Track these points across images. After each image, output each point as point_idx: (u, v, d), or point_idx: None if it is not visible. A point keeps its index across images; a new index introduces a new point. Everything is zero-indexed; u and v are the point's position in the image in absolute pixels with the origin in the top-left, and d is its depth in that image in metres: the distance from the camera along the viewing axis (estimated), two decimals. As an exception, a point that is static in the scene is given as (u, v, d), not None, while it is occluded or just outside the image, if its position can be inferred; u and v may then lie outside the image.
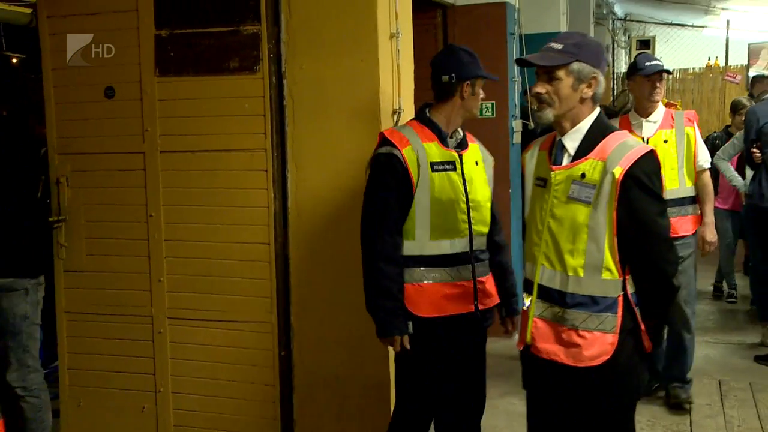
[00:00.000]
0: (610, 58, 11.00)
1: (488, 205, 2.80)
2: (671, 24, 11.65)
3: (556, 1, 5.89)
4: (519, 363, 2.38)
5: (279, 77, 3.19)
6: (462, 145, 2.77)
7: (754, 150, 4.73)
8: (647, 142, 3.79)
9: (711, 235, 3.97)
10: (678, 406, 4.00)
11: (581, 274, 2.14)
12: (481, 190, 2.78)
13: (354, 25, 3.06)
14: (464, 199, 2.71)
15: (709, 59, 12.55)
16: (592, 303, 2.14)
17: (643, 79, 3.83)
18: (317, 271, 3.21)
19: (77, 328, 3.53)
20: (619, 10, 11.31)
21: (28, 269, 3.36)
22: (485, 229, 2.80)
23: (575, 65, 2.16)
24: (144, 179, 3.35)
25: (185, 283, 3.35)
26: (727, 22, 10.84)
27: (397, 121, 3.13)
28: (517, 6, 5.28)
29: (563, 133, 2.23)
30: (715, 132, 6.87)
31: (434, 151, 2.68)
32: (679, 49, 12.22)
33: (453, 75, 2.69)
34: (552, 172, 2.21)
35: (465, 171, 2.72)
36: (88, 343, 3.52)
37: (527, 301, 2.27)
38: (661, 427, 3.87)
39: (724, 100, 11.96)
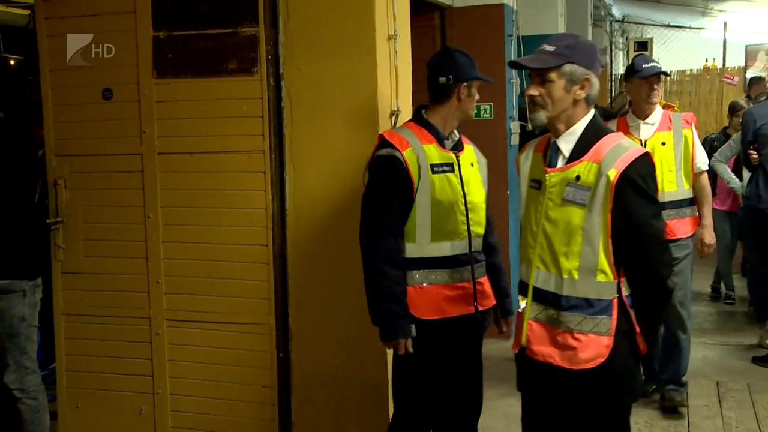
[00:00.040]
0: (608, 60, 11.02)
1: (484, 206, 2.81)
2: (669, 26, 11.68)
3: (553, 3, 5.90)
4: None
5: (277, 79, 3.19)
6: (458, 147, 2.78)
7: (751, 151, 4.74)
8: (645, 144, 3.80)
9: (710, 237, 3.97)
10: (672, 409, 3.98)
11: (576, 276, 2.14)
12: (478, 192, 2.79)
13: (352, 27, 3.06)
14: (463, 200, 2.72)
15: (706, 61, 12.59)
16: (587, 305, 2.13)
17: (641, 81, 3.82)
18: (315, 273, 3.21)
19: (75, 330, 3.53)
20: (616, 12, 11.34)
21: (26, 271, 3.36)
22: (482, 231, 2.81)
23: (567, 67, 2.16)
24: (142, 181, 3.35)
25: (183, 285, 3.35)
26: (725, 24, 10.87)
27: (395, 123, 3.13)
28: (514, 8, 5.29)
29: (558, 135, 2.22)
30: (713, 133, 6.89)
31: (433, 152, 2.68)
32: (677, 51, 12.25)
33: (450, 77, 2.69)
34: (547, 174, 2.21)
35: (462, 173, 2.73)
36: (86, 345, 3.51)
37: (522, 304, 2.27)
38: (658, 428, 3.87)
39: (722, 101, 11.99)
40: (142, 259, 3.38)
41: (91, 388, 3.52)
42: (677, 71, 12.62)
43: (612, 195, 2.08)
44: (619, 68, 11.97)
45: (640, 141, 3.81)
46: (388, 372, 3.02)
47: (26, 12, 5.41)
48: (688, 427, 3.88)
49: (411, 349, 2.62)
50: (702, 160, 3.90)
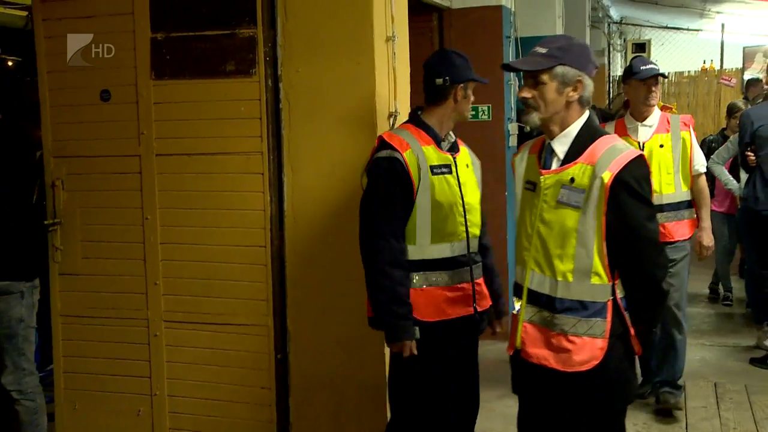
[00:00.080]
0: (606, 61, 11.04)
1: (479, 207, 2.82)
2: (667, 27, 11.70)
3: (551, 5, 5.90)
4: (514, 366, 2.39)
5: (275, 80, 3.19)
6: (454, 149, 2.78)
7: (749, 153, 4.75)
8: (643, 147, 3.80)
9: (708, 239, 3.97)
10: (667, 412, 3.96)
11: (570, 278, 2.13)
12: (474, 193, 2.81)
13: (350, 29, 3.07)
14: (461, 202, 2.72)
15: (704, 62, 12.62)
16: (581, 308, 2.13)
17: (639, 83, 3.82)
18: (313, 274, 3.21)
19: (72, 331, 3.52)
20: (614, 14, 11.36)
21: (24, 272, 3.35)
22: (479, 232, 2.82)
23: (559, 69, 2.16)
24: (140, 182, 3.35)
25: (181, 286, 3.35)
26: (722, 25, 10.89)
27: (393, 124, 3.13)
28: (512, 9, 5.30)
29: (552, 137, 2.22)
30: (711, 135, 6.91)
31: (432, 154, 2.69)
32: (675, 53, 12.28)
33: (447, 78, 2.70)
34: (541, 176, 2.20)
35: (459, 174, 2.73)
36: (84, 346, 3.51)
37: (517, 305, 2.27)
38: (656, 430, 3.87)
39: (720, 103, 12.03)
40: (140, 260, 3.37)
41: (89, 389, 3.51)
42: (675, 73, 12.65)
43: (606, 197, 2.08)
44: (617, 70, 11.99)
45: (638, 143, 3.80)
46: (387, 373, 3.02)
47: (24, 13, 5.40)
48: (686, 428, 3.88)
49: (416, 351, 2.61)
50: (700, 163, 3.90)
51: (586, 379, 2.13)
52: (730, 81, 11.23)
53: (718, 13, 10.00)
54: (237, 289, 3.27)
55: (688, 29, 11.82)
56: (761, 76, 8.81)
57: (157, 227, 3.34)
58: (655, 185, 3.77)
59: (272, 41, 3.17)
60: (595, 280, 2.12)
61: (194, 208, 3.30)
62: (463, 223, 2.73)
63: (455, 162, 2.74)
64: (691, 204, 3.90)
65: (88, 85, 3.38)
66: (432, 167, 2.66)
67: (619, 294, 2.17)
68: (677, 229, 3.82)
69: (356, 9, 3.05)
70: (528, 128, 4.94)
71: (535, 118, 2.20)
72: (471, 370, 2.84)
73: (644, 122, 3.86)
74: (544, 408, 2.26)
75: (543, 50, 2.19)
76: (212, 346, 3.32)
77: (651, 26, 11.80)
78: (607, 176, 2.07)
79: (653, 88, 3.81)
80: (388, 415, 2.93)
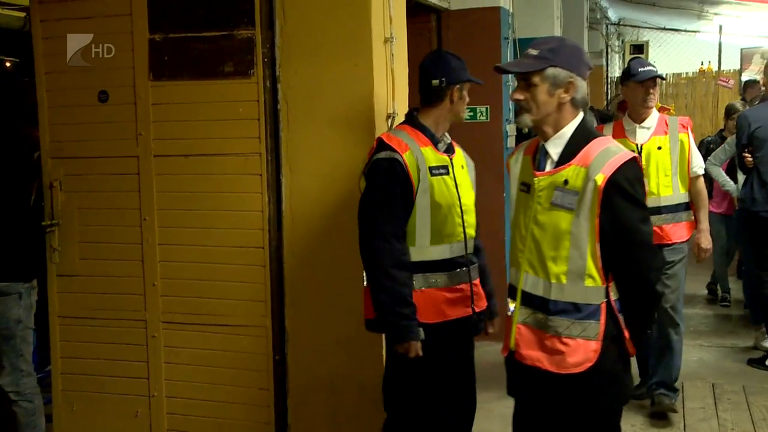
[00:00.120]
0: (604, 63, 11.05)
1: (474, 208, 2.82)
2: (664, 29, 11.71)
3: (549, 6, 5.91)
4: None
5: (273, 81, 3.19)
6: (450, 150, 2.79)
7: (746, 154, 4.75)
8: (641, 149, 3.80)
9: (706, 241, 3.97)
10: (662, 414, 3.94)
11: (564, 281, 2.13)
12: (470, 194, 2.81)
13: (348, 30, 3.07)
14: (459, 203, 2.73)
15: (702, 64, 12.63)
16: (574, 310, 2.13)
17: (637, 85, 3.82)
18: (311, 275, 3.21)
19: (70, 333, 3.52)
20: (612, 15, 11.36)
21: (22, 273, 3.35)
22: (474, 233, 2.82)
23: (550, 70, 2.16)
24: (138, 183, 3.35)
25: (179, 287, 3.34)
26: (720, 27, 10.91)
27: (391, 126, 3.13)
28: (511, 10, 5.30)
29: (546, 138, 2.22)
30: (709, 136, 6.91)
31: (430, 155, 2.69)
32: (673, 54, 12.29)
33: (443, 79, 2.70)
34: (535, 178, 2.20)
35: (456, 175, 2.74)
36: (82, 348, 3.50)
37: (511, 306, 2.27)
38: (654, 430, 3.88)
39: (717, 104, 12.04)
40: (138, 261, 3.37)
41: (87, 390, 3.51)
42: (673, 74, 12.66)
43: (599, 200, 2.07)
44: (616, 71, 12.00)
45: (637, 145, 3.81)
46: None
47: (22, 14, 5.38)
48: (684, 428, 3.89)
49: (421, 352, 2.61)
50: (698, 165, 3.90)
51: (580, 381, 2.13)
52: (727, 82, 11.25)
53: (715, 14, 10.01)
54: (235, 290, 3.27)
55: (685, 31, 11.83)
56: (759, 77, 8.83)
57: (155, 228, 3.34)
58: (652, 187, 3.78)
59: (270, 42, 3.17)
60: (588, 282, 2.12)
61: (192, 209, 3.30)
62: (461, 224, 2.74)
63: (452, 163, 2.74)
64: (689, 206, 3.90)
65: (86, 86, 3.38)
66: (431, 168, 2.66)
67: (613, 296, 2.16)
68: (675, 231, 3.82)
69: (354, 10, 3.05)
70: (526, 129, 4.95)
71: (527, 119, 2.21)
72: (468, 371, 2.85)
73: (642, 124, 3.86)
74: (538, 410, 2.26)
75: (534, 52, 2.20)
76: (210, 348, 3.32)
77: (649, 27, 11.81)
78: (601, 178, 2.07)
79: (651, 90, 3.81)
80: (387, 416, 2.93)
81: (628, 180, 2.09)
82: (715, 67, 11.92)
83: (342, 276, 3.09)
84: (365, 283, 2.77)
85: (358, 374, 3.16)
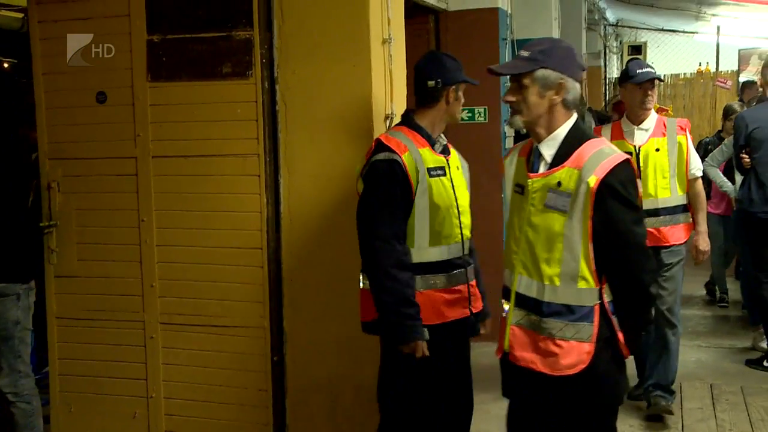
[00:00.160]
0: (602, 64, 11.05)
1: (469, 209, 2.82)
2: (662, 30, 11.72)
3: (547, 7, 5.91)
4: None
5: (272, 82, 3.19)
6: (446, 151, 2.79)
7: (744, 155, 4.76)
8: (639, 150, 3.80)
9: (704, 244, 3.96)
10: (657, 417, 3.92)
11: (557, 283, 2.13)
12: (465, 195, 2.82)
13: (347, 31, 3.07)
14: (455, 204, 2.73)
15: (700, 65, 12.65)
16: (568, 312, 2.13)
17: (635, 87, 3.81)
18: (310, 276, 3.21)
19: (68, 334, 3.52)
20: (610, 16, 11.38)
21: (20, 274, 3.35)
22: (469, 234, 2.82)
23: (539, 72, 2.16)
24: (136, 184, 3.35)
25: (177, 288, 3.34)
26: (718, 28, 10.93)
27: (390, 126, 3.14)
28: (509, 11, 5.31)
29: (539, 140, 2.22)
30: (707, 137, 6.91)
31: (428, 156, 2.69)
32: (671, 55, 12.31)
33: (439, 80, 2.70)
34: (529, 180, 2.20)
35: (452, 176, 2.74)
36: (79, 349, 3.50)
37: (506, 307, 2.27)
38: (652, 431, 3.88)
39: (715, 105, 12.05)
40: (136, 262, 3.37)
41: (85, 391, 3.51)
42: (671, 75, 12.68)
43: (592, 202, 2.07)
44: (614, 72, 12.02)
45: (634, 147, 3.81)
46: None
47: (20, 15, 5.38)
48: (682, 429, 3.89)
49: (428, 352, 2.61)
50: (697, 167, 3.89)
51: (574, 382, 2.13)
52: (725, 83, 11.26)
53: (713, 15, 10.03)
54: (233, 291, 3.27)
55: (683, 32, 11.85)
56: (756, 78, 8.83)
57: (154, 229, 3.34)
58: (650, 189, 3.78)
59: (269, 43, 3.17)
60: (581, 284, 2.12)
61: (190, 210, 3.30)
62: (458, 225, 2.74)
63: (448, 164, 2.75)
64: (687, 208, 3.89)
65: (83, 87, 3.38)
66: (429, 169, 2.66)
67: (607, 298, 2.16)
68: (673, 233, 3.81)
69: (353, 11, 3.05)
70: (524, 130, 4.96)
71: (518, 121, 2.21)
72: (465, 371, 2.85)
73: (641, 126, 3.86)
74: (533, 411, 2.26)
75: (526, 54, 2.20)
76: (208, 348, 3.32)
77: (647, 28, 11.82)
78: (593, 180, 2.07)
79: (649, 92, 3.81)
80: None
81: (621, 182, 2.09)
82: (712, 68, 11.94)
83: (340, 277, 3.09)
84: (361, 285, 2.77)
85: (356, 375, 3.16)
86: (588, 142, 2.16)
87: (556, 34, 5.95)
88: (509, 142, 5.20)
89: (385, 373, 2.80)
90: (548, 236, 2.14)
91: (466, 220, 2.79)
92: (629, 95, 3.88)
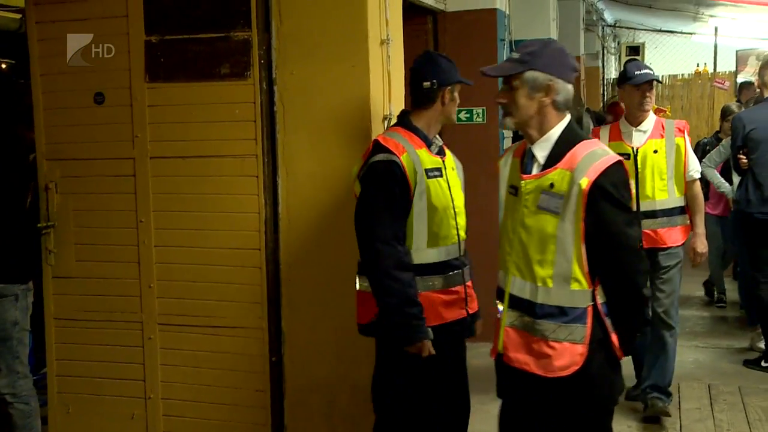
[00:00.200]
0: (600, 64, 11.06)
1: (464, 210, 2.83)
2: (660, 30, 11.74)
3: (545, 8, 5.92)
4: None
5: (270, 83, 3.19)
6: (442, 152, 2.79)
7: (741, 156, 4.77)
8: (637, 152, 3.80)
9: (702, 246, 3.95)
10: (654, 418, 3.92)
11: (550, 284, 2.13)
12: (461, 196, 2.82)
13: (345, 32, 3.07)
14: (452, 205, 2.73)
15: (697, 66, 12.67)
16: (560, 314, 2.13)
17: (633, 89, 3.81)
18: (308, 276, 3.21)
19: (66, 335, 3.51)
20: (608, 17, 11.39)
21: (18, 275, 3.35)
22: (465, 235, 2.83)
23: (528, 74, 2.16)
24: (134, 185, 3.34)
25: (175, 289, 3.34)
26: (716, 29, 10.93)
27: (388, 127, 3.14)
28: (507, 12, 5.31)
29: (532, 141, 2.22)
30: (705, 138, 6.92)
31: (426, 157, 2.69)
32: (669, 56, 12.33)
33: (434, 81, 2.70)
34: (522, 181, 2.20)
35: (448, 177, 2.74)
36: (77, 350, 3.50)
37: (500, 308, 2.27)
38: (650, 431, 3.88)
39: (713, 106, 12.06)
40: (134, 263, 3.37)
41: (83, 392, 3.50)
42: (669, 76, 12.70)
43: (584, 203, 2.07)
44: (612, 73, 12.03)
45: (632, 148, 3.81)
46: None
47: (17, 16, 5.38)
48: (680, 429, 3.89)
49: (434, 351, 2.60)
50: (695, 168, 3.88)
51: (567, 384, 2.13)
52: (723, 84, 11.27)
53: (711, 16, 10.04)
54: (231, 292, 3.27)
55: (681, 32, 11.86)
56: (754, 79, 8.84)
57: (152, 230, 3.34)
58: (648, 191, 3.78)
59: (267, 44, 3.17)
60: (574, 286, 2.12)
61: (189, 210, 3.30)
62: (455, 226, 2.74)
63: (444, 165, 2.75)
64: (685, 210, 3.88)
65: (81, 88, 3.38)
66: (426, 170, 2.66)
67: (600, 300, 2.16)
68: (670, 235, 3.81)
69: (351, 12, 3.05)
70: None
71: (509, 122, 2.22)
72: (462, 372, 2.86)
73: (639, 127, 3.86)
74: (528, 412, 2.26)
75: (516, 55, 2.21)
76: (207, 349, 3.31)
77: (645, 29, 11.84)
78: (585, 182, 2.06)
79: (647, 94, 3.81)
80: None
81: (613, 183, 2.08)
82: (710, 69, 11.95)
83: (339, 277, 3.09)
84: (357, 287, 2.77)
85: (355, 375, 3.16)
86: (581, 143, 2.16)
87: (554, 34, 5.96)
88: (508, 143, 5.21)
89: (383, 374, 2.80)
90: (541, 238, 2.13)
91: (462, 221, 2.79)
92: (627, 97, 3.88)
